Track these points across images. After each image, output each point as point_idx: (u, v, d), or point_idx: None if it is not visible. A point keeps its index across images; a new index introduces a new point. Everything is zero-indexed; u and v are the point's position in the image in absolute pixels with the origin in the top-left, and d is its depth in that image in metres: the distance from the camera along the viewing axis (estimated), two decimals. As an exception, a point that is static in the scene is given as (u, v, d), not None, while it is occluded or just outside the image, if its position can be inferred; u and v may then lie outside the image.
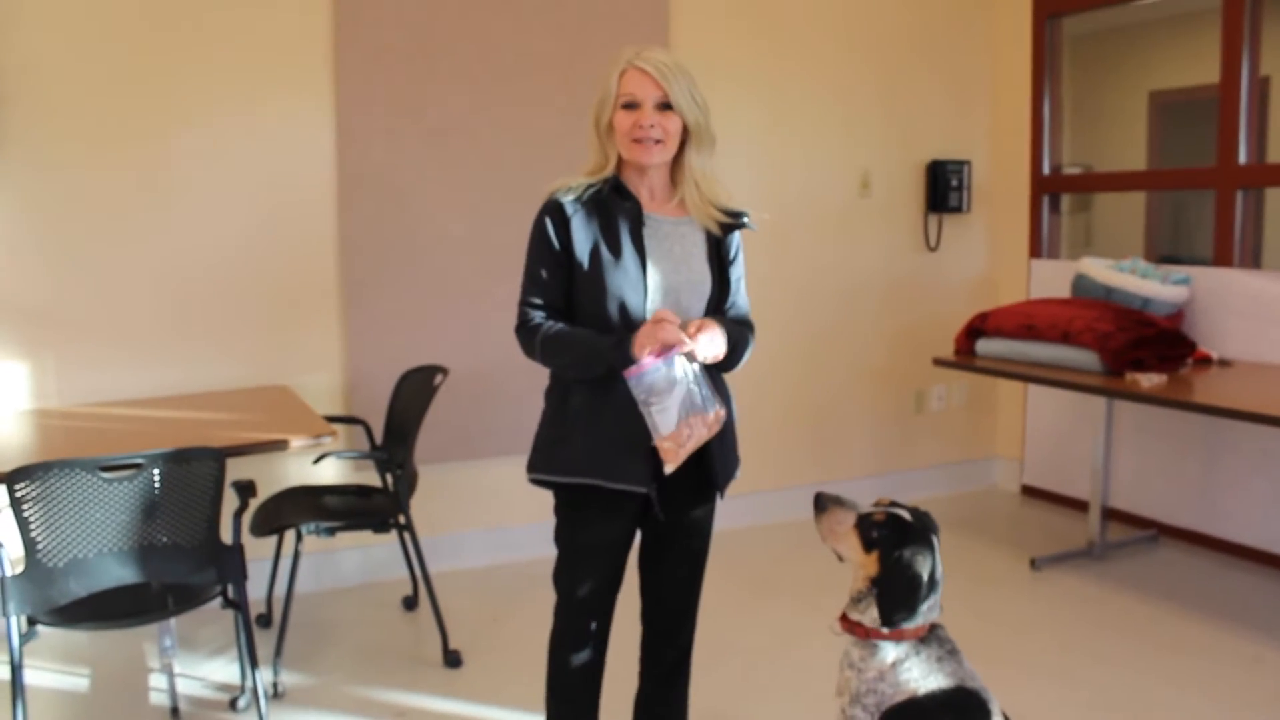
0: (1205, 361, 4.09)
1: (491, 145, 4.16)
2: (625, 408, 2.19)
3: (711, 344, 2.18)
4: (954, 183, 5.05)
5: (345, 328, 4.00)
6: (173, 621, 3.07)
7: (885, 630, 2.05)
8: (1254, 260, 4.32)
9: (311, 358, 3.98)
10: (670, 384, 2.14)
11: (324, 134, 3.92)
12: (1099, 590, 3.98)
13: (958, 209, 5.09)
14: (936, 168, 5.04)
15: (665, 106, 2.21)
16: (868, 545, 2.09)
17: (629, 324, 2.22)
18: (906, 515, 2.11)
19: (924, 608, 2.06)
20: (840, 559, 2.17)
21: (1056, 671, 3.30)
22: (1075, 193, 5.28)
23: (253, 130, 3.83)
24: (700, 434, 2.20)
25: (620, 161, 2.28)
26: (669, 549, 2.43)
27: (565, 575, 2.39)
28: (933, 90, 5.07)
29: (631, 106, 2.21)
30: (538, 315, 2.27)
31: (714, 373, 2.31)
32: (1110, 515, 4.59)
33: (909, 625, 2.05)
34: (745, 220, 2.36)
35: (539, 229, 2.28)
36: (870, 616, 2.07)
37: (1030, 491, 5.24)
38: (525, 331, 2.29)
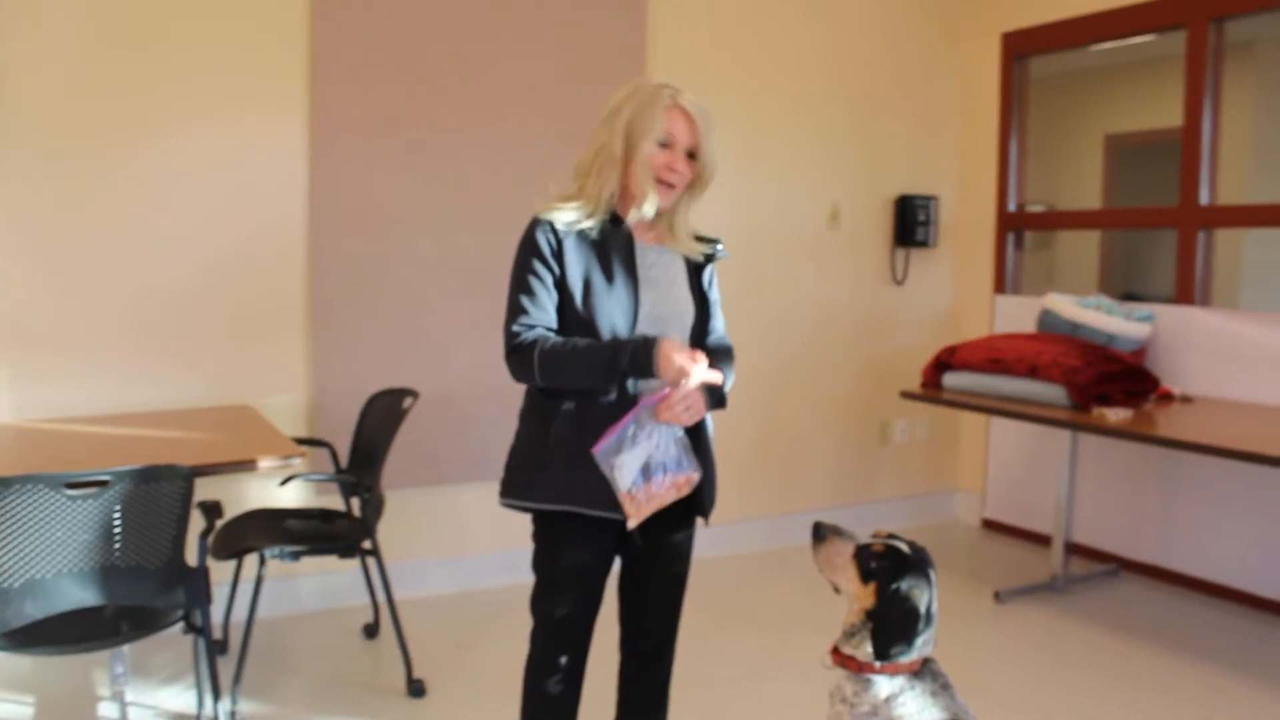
0: (1167, 397, 4.14)
1: (466, 167, 4.11)
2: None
3: (689, 412, 2.15)
4: (921, 217, 5.10)
5: (311, 348, 3.92)
6: (126, 647, 2.95)
7: (879, 664, 2.02)
8: (1212, 299, 4.40)
9: (275, 378, 3.89)
10: (628, 443, 2.12)
11: (296, 151, 3.85)
12: (1063, 623, 3.99)
13: (924, 244, 5.13)
14: (905, 202, 5.08)
15: (691, 154, 2.23)
16: (865, 576, 2.06)
17: None
18: (905, 547, 2.09)
19: (919, 641, 2.03)
20: (836, 590, 2.14)
21: (1026, 703, 3.29)
22: (1038, 230, 5.35)
23: (224, 145, 3.75)
24: (668, 495, 2.19)
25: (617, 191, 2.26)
26: (650, 573, 2.38)
27: (543, 601, 2.33)
28: (903, 126, 5.13)
29: (665, 146, 2.20)
30: (531, 334, 2.20)
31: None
32: (1070, 549, 4.62)
33: (904, 659, 2.02)
34: (719, 249, 2.39)
35: (532, 246, 2.21)
36: (864, 650, 2.04)
37: (990, 525, 5.26)
38: (519, 352, 2.18)
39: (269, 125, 3.82)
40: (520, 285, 2.22)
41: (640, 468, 2.14)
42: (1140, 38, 4.65)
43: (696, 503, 2.31)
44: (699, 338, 2.35)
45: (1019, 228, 5.16)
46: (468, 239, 4.11)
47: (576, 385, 2.17)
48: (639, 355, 2.10)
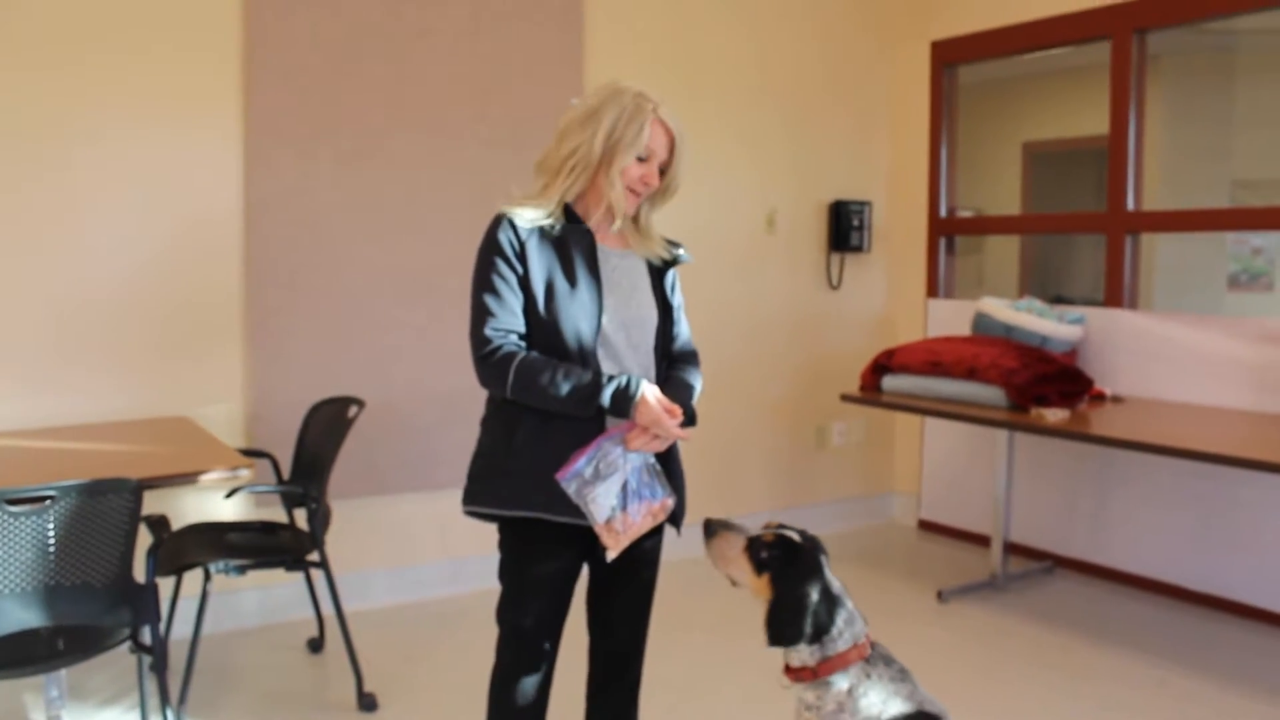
0: (1100, 398, 4.26)
1: (404, 173, 4.06)
2: (573, 440, 2.14)
3: (659, 439, 2.17)
4: (855, 223, 5.17)
5: (249, 357, 3.83)
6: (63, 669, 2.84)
7: (829, 655, 2.01)
8: (1138, 301, 4.54)
9: (211, 388, 3.79)
10: (602, 474, 2.12)
11: (231, 154, 3.76)
12: (1006, 620, 4.07)
13: (859, 248, 5.20)
14: (839, 207, 5.15)
15: (662, 168, 2.25)
16: (758, 568, 2.08)
17: (583, 356, 2.18)
18: (795, 536, 2.11)
19: (840, 621, 2.03)
20: (734, 584, 2.15)
21: (977, 699, 3.34)
22: (969, 235, 5.46)
23: (155, 148, 3.64)
24: (644, 524, 2.18)
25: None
26: (621, 581, 2.36)
27: (510, 610, 2.30)
28: (836, 133, 5.20)
29: (643, 160, 2.21)
30: (507, 342, 2.16)
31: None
32: (1006, 548, 4.71)
33: (841, 649, 2.01)
34: (681, 254, 2.39)
35: (495, 245, 2.18)
36: (801, 657, 2.04)
37: (926, 526, 5.35)
38: (494, 364, 2.15)
39: (202, 131, 3.72)
40: (485, 285, 2.18)
41: (616, 498, 2.13)
42: (1064, 48, 4.78)
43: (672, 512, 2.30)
44: (664, 343, 2.35)
45: (950, 233, 5.26)
46: (407, 245, 4.06)
47: (547, 408, 2.15)
48: (619, 399, 2.12)
